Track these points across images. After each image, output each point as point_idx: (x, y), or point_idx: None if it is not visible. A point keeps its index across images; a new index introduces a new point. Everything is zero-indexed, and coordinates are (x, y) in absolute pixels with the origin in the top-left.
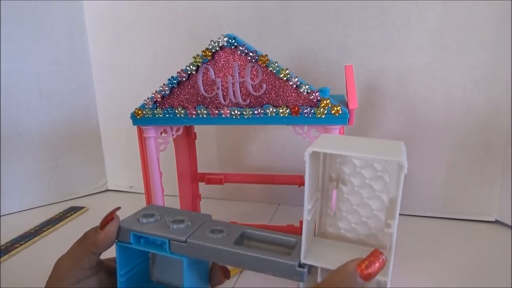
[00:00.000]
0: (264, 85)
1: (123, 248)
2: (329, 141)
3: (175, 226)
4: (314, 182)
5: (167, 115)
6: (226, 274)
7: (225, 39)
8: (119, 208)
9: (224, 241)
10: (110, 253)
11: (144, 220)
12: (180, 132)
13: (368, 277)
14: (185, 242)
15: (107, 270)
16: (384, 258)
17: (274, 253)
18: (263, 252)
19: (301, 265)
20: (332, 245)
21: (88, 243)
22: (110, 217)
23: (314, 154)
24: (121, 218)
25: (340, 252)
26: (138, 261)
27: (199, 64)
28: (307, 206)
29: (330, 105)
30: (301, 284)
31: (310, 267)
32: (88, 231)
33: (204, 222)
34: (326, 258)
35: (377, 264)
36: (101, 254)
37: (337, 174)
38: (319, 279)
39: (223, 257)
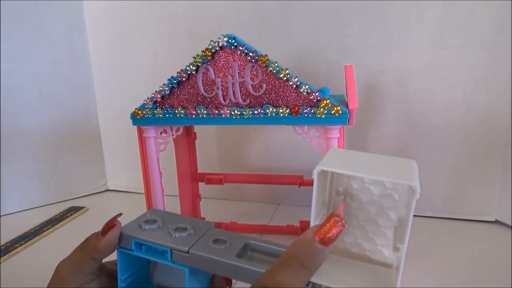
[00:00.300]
0: (264, 85)
1: (124, 254)
2: (338, 158)
3: (177, 235)
4: (320, 199)
5: (167, 115)
6: (228, 282)
7: (225, 39)
8: (120, 214)
9: (227, 252)
10: (111, 256)
11: (146, 227)
12: (180, 132)
13: (328, 242)
14: (187, 252)
15: (108, 273)
16: (343, 222)
17: None
18: (265, 267)
19: None
20: (336, 261)
21: (90, 249)
22: (111, 224)
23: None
24: (121, 220)
25: (344, 269)
26: (139, 265)
27: (199, 64)
28: (313, 223)
29: (330, 105)
30: None
31: (314, 284)
32: (89, 236)
33: (207, 231)
34: (330, 276)
35: (335, 229)
36: (102, 260)
37: (344, 189)
38: None
39: (225, 269)
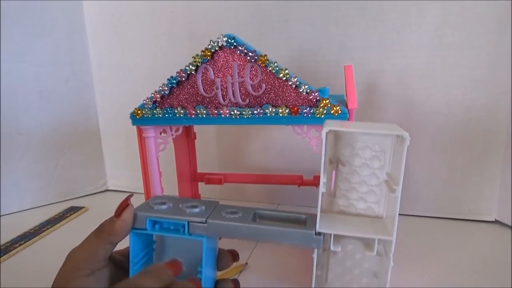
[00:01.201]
0: (264, 85)
1: (137, 236)
2: (337, 124)
3: (190, 210)
4: (327, 158)
5: (166, 115)
6: (235, 257)
7: (225, 39)
8: (132, 195)
9: (242, 219)
10: (119, 246)
11: (157, 207)
12: (180, 132)
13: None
14: (205, 222)
15: (116, 263)
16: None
17: (291, 225)
18: (282, 225)
19: (317, 234)
20: (338, 218)
21: (105, 233)
22: (125, 204)
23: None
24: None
25: (346, 222)
26: (146, 250)
27: (198, 64)
28: (323, 179)
29: (329, 105)
30: (316, 252)
31: (324, 234)
32: (103, 222)
33: (215, 207)
34: (337, 227)
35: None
36: (117, 244)
37: (336, 157)
38: (332, 246)
39: (245, 232)
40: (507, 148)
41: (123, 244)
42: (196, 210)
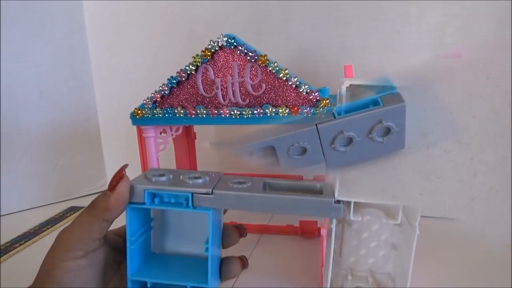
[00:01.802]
0: (264, 85)
1: (134, 211)
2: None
3: (194, 181)
4: None
5: (166, 115)
6: (242, 233)
7: (225, 39)
8: (127, 165)
9: (252, 189)
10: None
11: (155, 179)
12: (180, 132)
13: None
14: (212, 193)
15: (111, 243)
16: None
17: (306, 194)
18: (297, 194)
19: (336, 202)
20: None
21: (99, 209)
22: (120, 175)
23: None
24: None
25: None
26: (145, 227)
27: (198, 64)
28: None
29: (329, 105)
30: (334, 223)
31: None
32: (96, 197)
33: (220, 177)
34: (357, 194)
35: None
36: (113, 221)
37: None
38: (352, 216)
39: (257, 203)
40: (508, 148)
41: (119, 222)
42: (200, 181)
